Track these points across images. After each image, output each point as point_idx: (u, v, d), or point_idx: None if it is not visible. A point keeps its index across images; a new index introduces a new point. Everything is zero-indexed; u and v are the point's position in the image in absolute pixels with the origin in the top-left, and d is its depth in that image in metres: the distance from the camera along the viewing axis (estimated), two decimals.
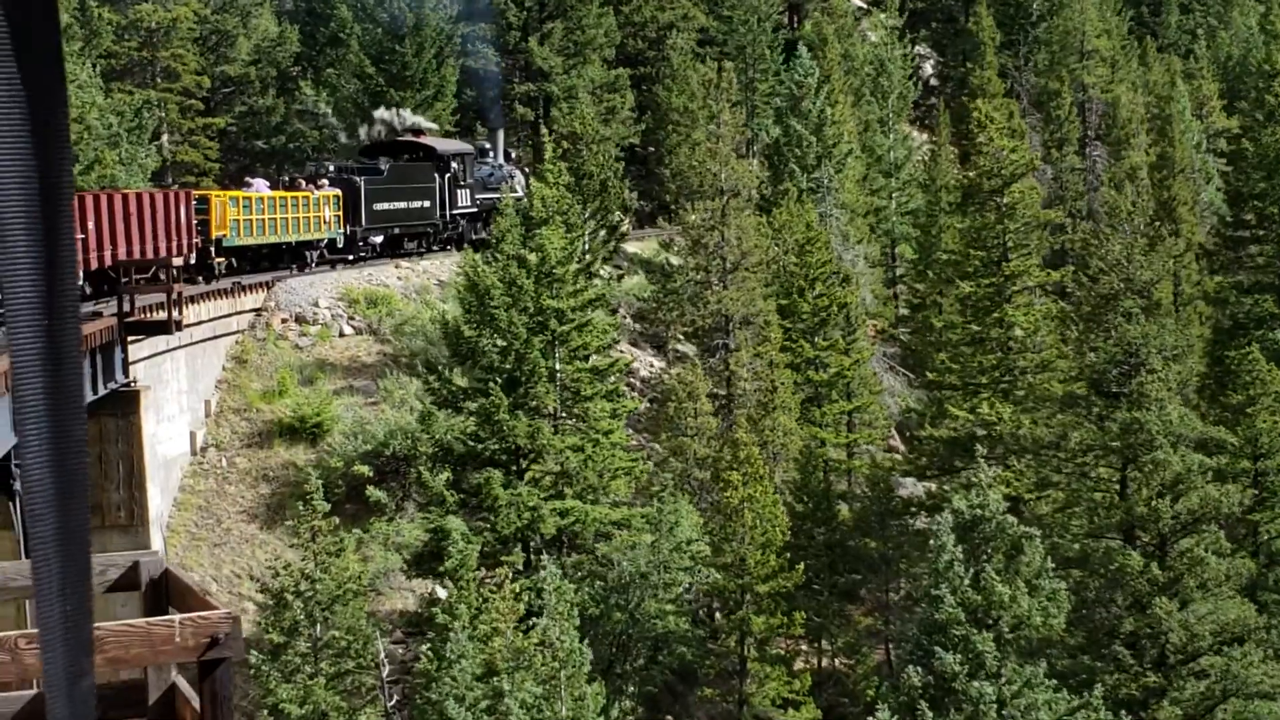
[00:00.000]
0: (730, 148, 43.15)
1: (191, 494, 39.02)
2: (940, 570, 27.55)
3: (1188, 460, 30.46)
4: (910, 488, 41.65)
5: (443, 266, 50.17)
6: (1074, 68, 71.24)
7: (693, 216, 43.65)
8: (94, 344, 29.21)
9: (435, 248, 49.83)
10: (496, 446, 33.55)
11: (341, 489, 38.54)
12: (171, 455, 38.21)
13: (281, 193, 43.06)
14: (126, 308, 32.04)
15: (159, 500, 34.77)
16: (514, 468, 33.95)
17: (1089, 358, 32.78)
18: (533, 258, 33.65)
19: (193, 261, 37.10)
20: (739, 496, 32.68)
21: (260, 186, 43.23)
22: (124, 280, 31.53)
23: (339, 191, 44.85)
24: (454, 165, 49.99)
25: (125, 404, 32.40)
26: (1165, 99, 60.68)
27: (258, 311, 43.68)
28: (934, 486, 38.67)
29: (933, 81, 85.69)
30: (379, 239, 47.56)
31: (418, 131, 53.16)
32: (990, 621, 28.09)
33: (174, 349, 38.10)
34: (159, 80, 61.04)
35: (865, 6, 72.52)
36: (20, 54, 1.48)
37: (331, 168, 46.89)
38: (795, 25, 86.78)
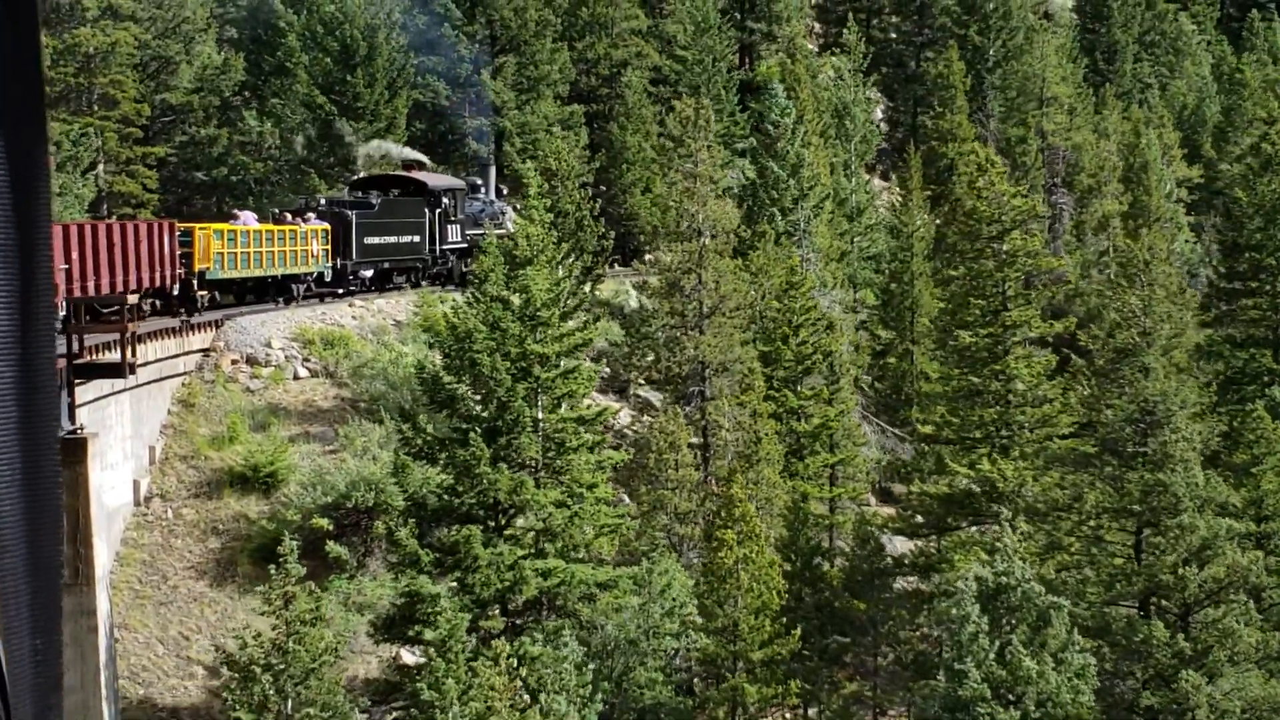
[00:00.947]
0: (708, 187, 41.15)
1: (135, 548, 36.33)
2: (964, 643, 25.51)
3: (1214, 526, 28.69)
4: (892, 545, 39.72)
5: (398, 306, 47.86)
6: (1034, 114, 70.09)
7: (667, 258, 41.61)
8: None
9: (424, 282, 49.06)
10: (474, 501, 31.21)
11: (298, 543, 35.95)
12: (114, 505, 35.57)
13: (269, 226, 42.26)
14: (75, 347, 29.56)
15: (105, 556, 32.14)
16: (492, 524, 31.62)
17: (1105, 414, 30.98)
18: (516, 299, 31.44)
19: (175, 293, 36.61)
20: (733, 557, 30.54)
21: (248, 219, 42.28)
22: (70, 320, 29.02)
23: (328, 225, 44.19)
24: (445, 200, 49.54)
25: (71, 452, 29.72)
26: (1130, 147, 59.49)
27: (206, 352, 41.14)
28: (922, 544, 36.78)
29: (883, 126, 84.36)
30: (369, 273, 46.90)
31: (408, 166, 52.57)
32: (1013, 699, 26.08)
33: (118, 391, 35.52)
34: (96, 108, 58.29)
35: (815, 49, 71.04)
36: None
37: (322, 201, 46.27)
38: (749, 66, 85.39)
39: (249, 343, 41.67)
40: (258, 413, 39.89)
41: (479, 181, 55.47)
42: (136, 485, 37.28)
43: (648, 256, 67.03)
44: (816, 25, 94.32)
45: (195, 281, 38.07)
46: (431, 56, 65.30)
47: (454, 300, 33.11)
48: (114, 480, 35.49)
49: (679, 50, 77.98)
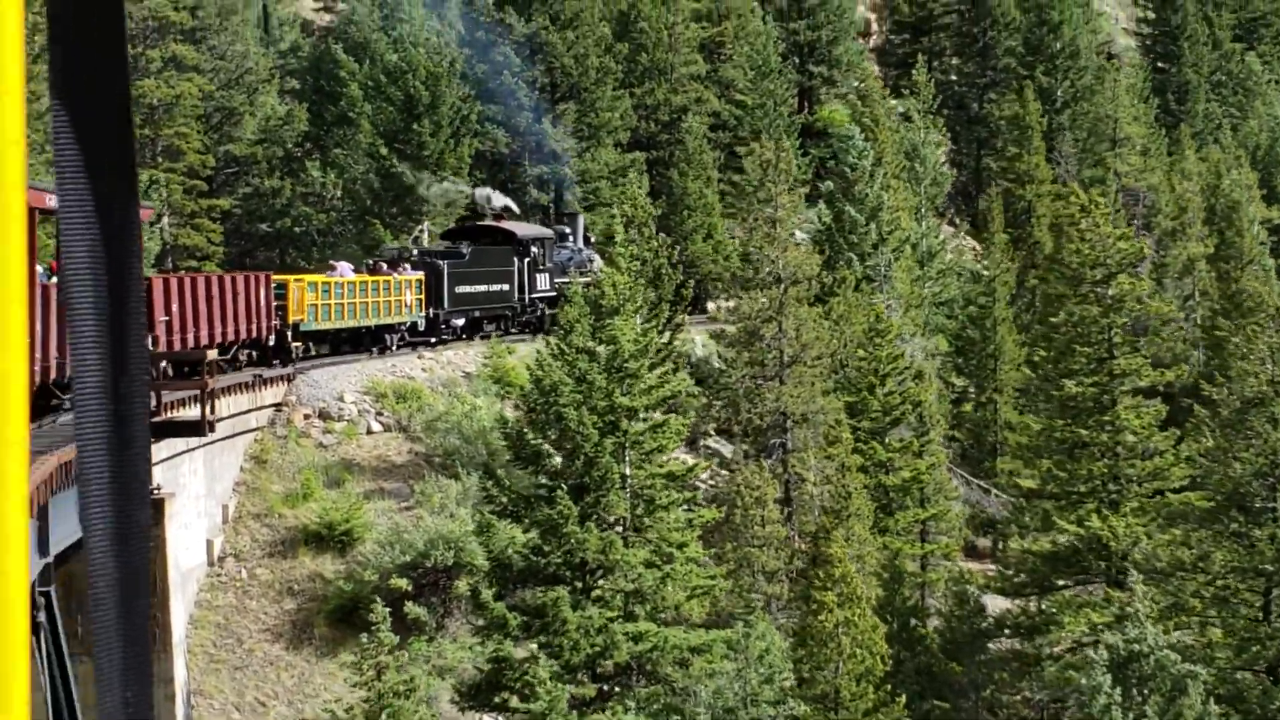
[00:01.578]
0: (789, 232, 40.04)
1: (209, 609, 35.33)
2: (1096, 716, 24.11)
3: None
4: (990, 603, 38.27)
5: (467, 357, 46.92)
6: (1105, 155, 68.75)
7: (746, 305, 40.49)
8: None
9: (514, 330, 49.80)
10: (560, 561, 30.05)
11: (377, 604, 34.88)
12: (188, 567, 34.60)
13: (364, 276, 42.81)
14: (152, 404, 28.62)
15: (181, 621, 31.14)
16: (579, 585, 30.43)
17: (1234, 468, 29.56)
18: (603, 350, 30.36)
19: (270, 344, 37.36)
20: (833, 620, 29.22)
21: (344, 270, 42.84)
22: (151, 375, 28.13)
23: (422, 275, 44.76)
24: (533, 249, 50.25)
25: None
26: (1212, 188, 58.05)
27: (278, 406, 40.23)
28: (1023, 604, 35.30)
29: (945, 169, 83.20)
30: (460, 321, 47.57)
31: (498, 215, 53.27)
32: None
33: (192, 449, 34.62)
34: (161, 159, 57.82)
35: (881, 93, 69.98)
36: (93, 139, 1.49)
37: (415, 251, 47.06)
38: (809, 110, 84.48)
39: (321, 397, 40.75)
40: (331, 468, 38.91)
41: (567, 230, 55.29)
42: (210, 545, 36.33)
43: (710, 304, 66.04)
44: (876, 69, 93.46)
45: (290, 333, 38.45)
46: (491, 105, 64.58)
47: (538, 351, 31.99)
48: (188, 540, 34.54)
49: (739, 95, 77.22)
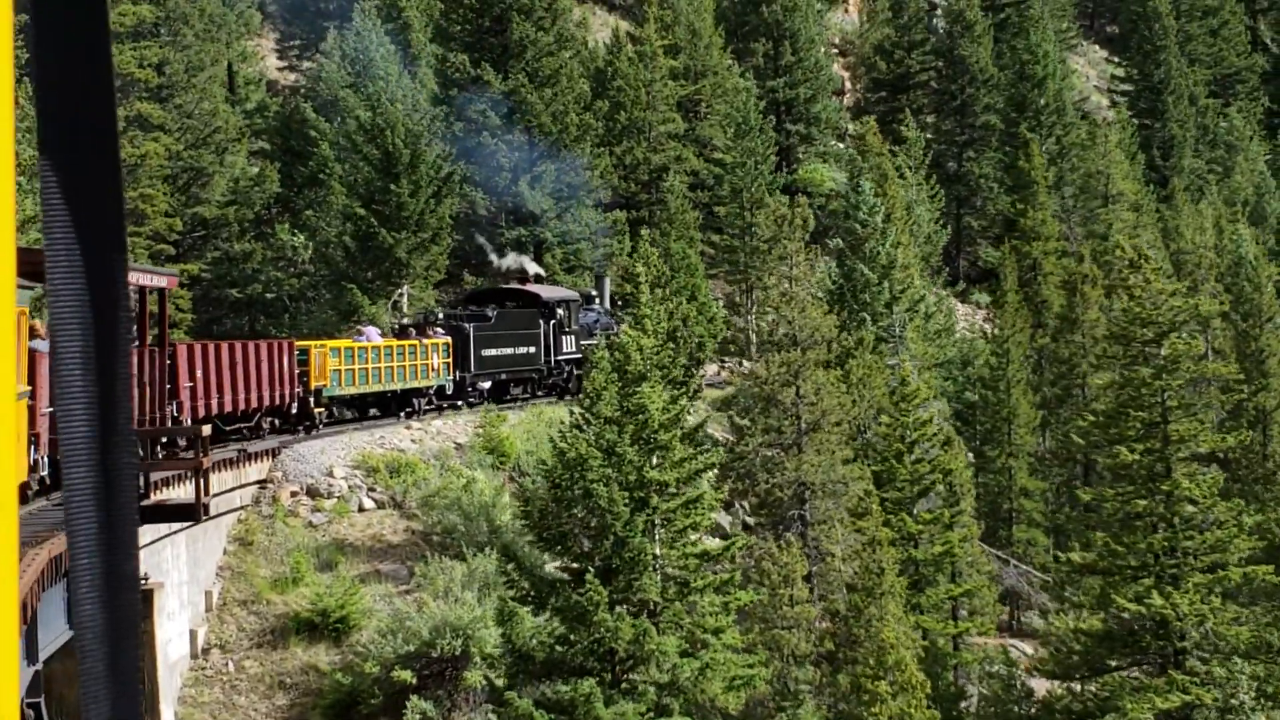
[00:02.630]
0: (807, 292, 37.82)
1: (195, 707, 32.44)
2: None
3: None
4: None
5: (457, 427, 44.40)
6: (1097, 210, 67.11)
7: (763, 370, 38.17)
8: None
9: (540, 393, 49.90)
10: (587, 651, 27.51)
11: (378, 699, 32.20)
12: (172, 659, 31.80)
13: (390, 341, 42.94)
14: (140, 486, 25.97)
15: None
16: (607, 677, 27.87)
17: None
18: (630, 420, 27.95)
19: (293, 411, 37.33)
20: (887, 713, 26.74)
21: (372, 334, 42.97)
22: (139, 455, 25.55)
23: (449, 339, 45.01)
24: (559, 312, 50.58)
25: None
26: (1215, 245, 56.34)
27: (262, 484, 37.55)
28: (1072, 687, 32.90)
29: (938, 227, 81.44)
30: (487, 384, 47.59)
31: (523, 279, 53.89)
32: None
33: (175, 532, 31.89)
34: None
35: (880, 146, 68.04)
36: (74, 174, 1.46)
37: (440, 315, 47.32)
38: (788, 169, 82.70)
39: (309, 472, 38.10)
40: (322, 550, 36.22)
41: (594, 292, 55.21)
42: (194, 635, 33.52)
43: (702, 370, 63.84)
44: (850, 127, 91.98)
45: (312, 399, 38.23)
46: (468, 164, 62.30)
47: (562, 421, 29.51)
48: (171, 632, 31.76)
49: (718, 153, 75.48)
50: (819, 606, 35.42)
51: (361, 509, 37.97)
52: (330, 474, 38.25)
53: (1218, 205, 73.90)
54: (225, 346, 32.28)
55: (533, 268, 54.91)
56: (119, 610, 1.47)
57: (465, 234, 63.13)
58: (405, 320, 47.28)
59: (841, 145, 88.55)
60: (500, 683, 27.31)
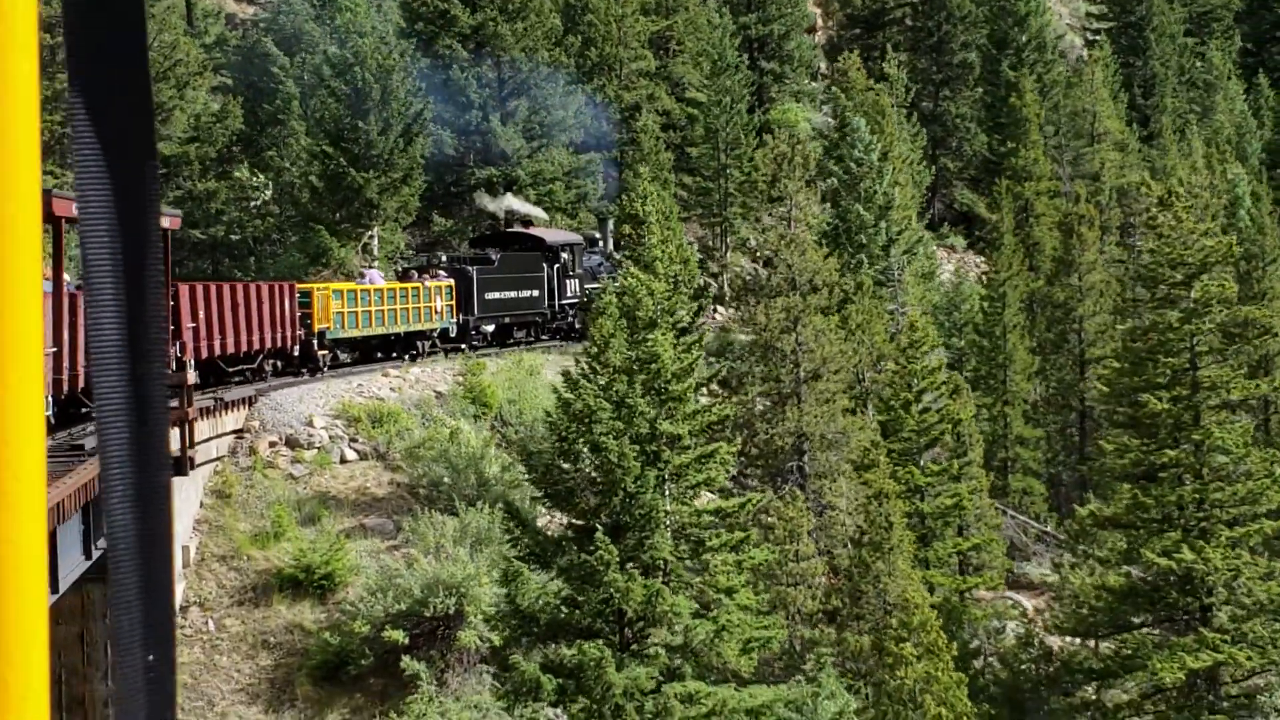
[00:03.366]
0: (808, 233, 36.24)
1: None
2: None
3: None
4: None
5: (436, 375, 42.74)
6: (1083, 150, 65.71)
7: (762, 316, 36.65)
8: (83, 499, 21.44)
9: (544, 336, 49.96)
10: (595, 613, 26.04)
11: (368, 659, 30.65)
12: None
13: (393, 284, 43.09)
14: None
15: None
16: (616, 640, 26.43)
17: None
18: (641, 370, 26.37)
19: (295, 354, 37.32)
20: (914, 675, 25.42)
21: (375, 278, 43.19)
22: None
23: (452, 282, 45.00)
24: (563, 255, 50.80)
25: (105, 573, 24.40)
26: (1211, 187, 55.04)
27: (239, 433, 35.81)
28: (1087, 645, 31.70)
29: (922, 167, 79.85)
30: (490, 328, 47.70)
31: (527, 222, 53.62)
32: None
33: None
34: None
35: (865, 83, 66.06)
36: (114, 149, 1.46)
37: (444, 258, 47.53)
38: (761, 109, 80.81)
39: (288, 422, 36.39)
40: (304, 503, 34.56)
41: (597, 235, 54.51)
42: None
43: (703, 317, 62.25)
44: (822, 65, 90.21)
45: (315, 342, 38.15)
46: (437, 102, 60.23)
47: (568, 372, 27.90)
48: None
49: (693, 92, 73.60)
50: (822, 561, 34.11)
51: (344, 460, 36.33)
52: (310, 424, 36.56)
53: (1200, 146, 72.66)
54: (228, 287, 32.19)
55: (532, 209, 55.14)
56: (151, 521, 1.44)
57: (434, 174, 61.23)
58: (407, 264, 47.24)
59: (815, 84, 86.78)
60: (498, 641, 25.79)
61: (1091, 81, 63.48)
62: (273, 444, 35.85)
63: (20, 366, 1.31)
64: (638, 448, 25.86)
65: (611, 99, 70.26)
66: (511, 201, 54.98)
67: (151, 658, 1.46)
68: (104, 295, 1.43)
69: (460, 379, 42.69)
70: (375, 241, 55.84)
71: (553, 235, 52.10)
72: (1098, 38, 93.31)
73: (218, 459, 34.88)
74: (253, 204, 58.67)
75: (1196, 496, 29.86)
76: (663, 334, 26.53)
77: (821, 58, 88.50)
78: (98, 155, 1.42)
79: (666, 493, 26.57)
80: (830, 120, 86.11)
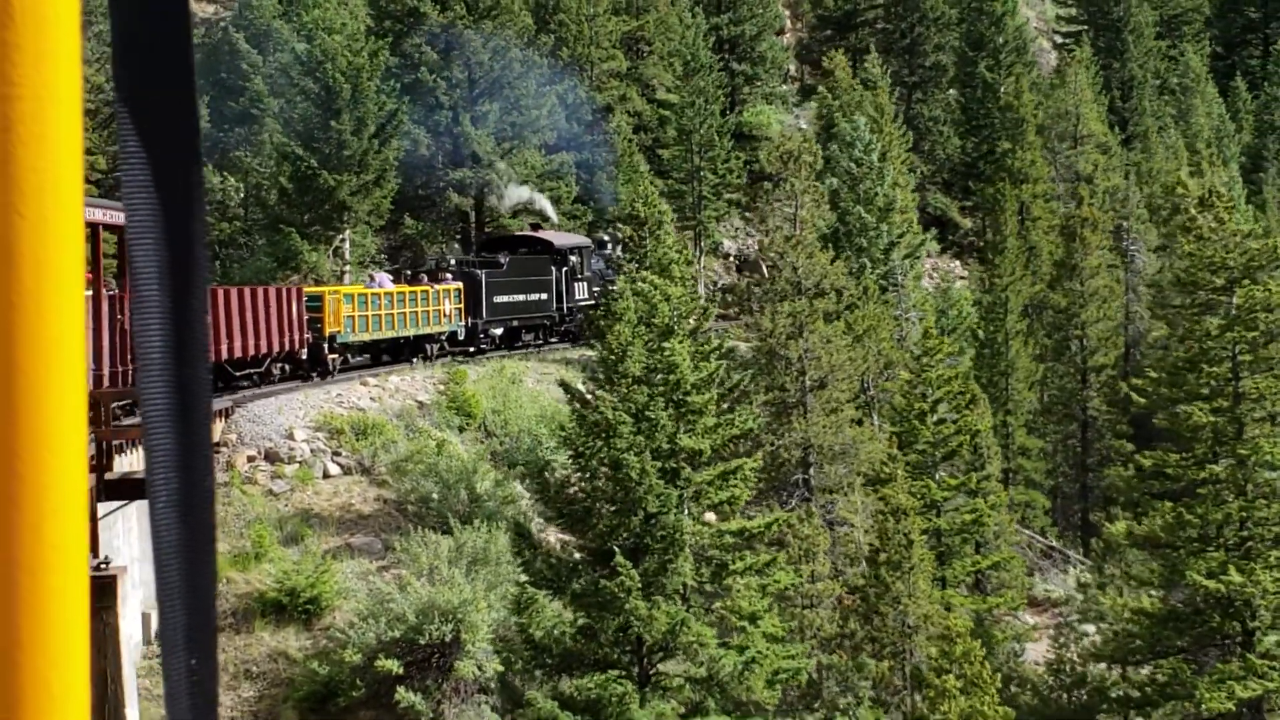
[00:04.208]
0: (815, 235, 34.55)
1: (150, 700, 28.72)
2: None
3: None
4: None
5: (417, 384, 40.86)
6: (1067, 153, 64.36)
7: (766, 322, 34.92)
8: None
9: (553, 340, 49.93)
10: (613, 642, 24.23)
11: (360, 690, 28.69)
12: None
13: (403, 287, 42.75)
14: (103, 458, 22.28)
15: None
16: (635, 671, 24.61)
17: None
18: (661, 381, 24.59)
19: (304, 358, 37.17)
20: (957, 710, 23.72)
21: (384, 281, 42.69)
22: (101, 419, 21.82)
23: (460, 285, 44.94)
24: (572, 258, 50.60)
25: (98, 595, 22.40)
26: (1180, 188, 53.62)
27: (215, 447, 33.72)
28: (1123, 671, 30.08)
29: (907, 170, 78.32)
30: (499, 331, 47.63)
31: (535, 225, 53.45)
32: None
33: (124, 504, 28.12)
34: None
35: (850, 83, 64.51)
36: (159, 151, 1.46)
37: (453, 261, 47.66)
38: (733, 111, 79.14)
39: (267, 435, 34.40)
40: (286, 521, 32.57)
41: (606, 238, 53.72)
42: (146, 619, 29.79)
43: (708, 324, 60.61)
44: (791, 68, 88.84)
45: (326, 345, 38.00)
46: (408, 103, 58.34)
47: (582, 384, 26.06)
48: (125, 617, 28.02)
49: (666, 93, 71.97)
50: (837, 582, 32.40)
51: (326, 475, 34.36)
52: (290, 436, 34.58)
53: (1184, 149, 71.52)
54: (234, 292, 32.30)
55: (540, 200, 55.08)
56: (195, 526, 1.45)
57: (403, 176, 59.36)
58: (416, 267, 47.23)
59: (785, 88, 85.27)
60: (499, 668, 23.95)
61: (1076, 83, 62.01)
62: (251, 458, 33.87)
63: (64, 373, 1.28)
64: (659, 464, 24.07)
65: (584, 100, 68.51)
66: (521, 194, 55.38)
67: (194, 661, 1.46)
68: (150, 302, 1.42)
69: (442, 388, 40.86)
70: (346, 245, 53.92)
71: (561, 238, 51.96)
72: (1067, 41, 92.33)
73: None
74: (218, 206, 56.63)
75: (1242, 515, 28.26)
76: (679, 342, 24.75)
77: (791, 60, 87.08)
78: (143, 162, 1.40)
79: (687, 512, 24.81)
80: (803, 125, 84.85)
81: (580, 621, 24.10)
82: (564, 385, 26.32)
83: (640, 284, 24.72)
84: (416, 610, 29.15)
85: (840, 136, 43.21)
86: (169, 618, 1.46)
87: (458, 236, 62.72)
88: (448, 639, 28.88)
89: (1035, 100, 66.42)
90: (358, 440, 35.10)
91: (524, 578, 24.69)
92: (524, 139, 61.72)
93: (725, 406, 26.25)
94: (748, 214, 76.41)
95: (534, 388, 44.13)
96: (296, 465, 34.01)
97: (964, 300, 51.01)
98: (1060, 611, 39.60)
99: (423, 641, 28.85)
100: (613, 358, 24.53)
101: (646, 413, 24.04)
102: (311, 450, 34.58)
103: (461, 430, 39.06)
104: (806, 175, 34.84)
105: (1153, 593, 28.94)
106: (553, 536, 28.93)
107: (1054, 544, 40.97)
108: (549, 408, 41.94)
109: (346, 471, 34.66)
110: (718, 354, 26.97)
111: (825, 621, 30.02)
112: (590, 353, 50.64)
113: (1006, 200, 48.59)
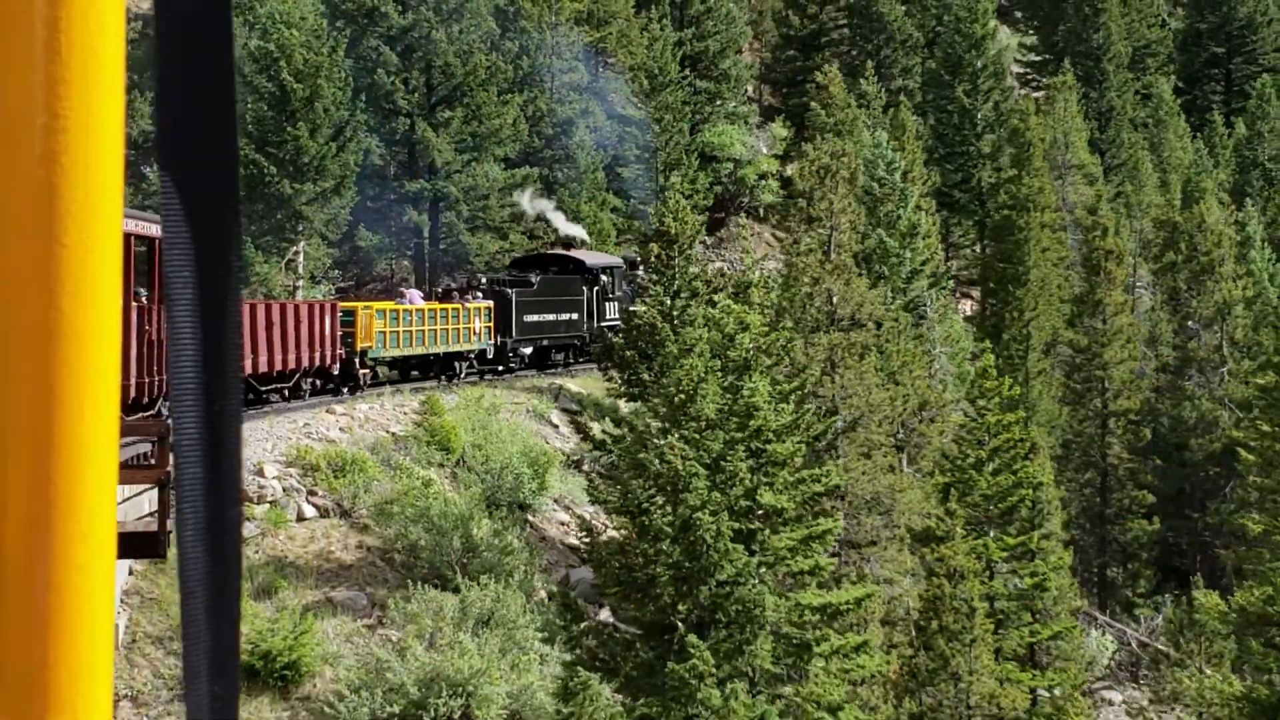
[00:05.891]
0: (851, 259, 30.97)
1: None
2: None
3: None
4: None
5: (387, 413, 36.89)
6: (1054, 182, 61.42)
7: (801, 355, 31.20)
8: None
9: (583, 360, 49.01)
10: None
11: None
12: None
13: (433, 304, 42.84)
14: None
15: None
16: None
17: None
18: (737, 428, 20.79)
19: (336, 373, 36.97)
20: None
21: (414, 298, 42.82)
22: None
23: (490, 303, 44.87)
24: (603, 278, 50.45)
25: None
26: (1201, 224, 50.86)
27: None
28: None
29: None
30: (528, 350, 47.45)
31: (567, 245, 53.55)
32: None
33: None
34: None
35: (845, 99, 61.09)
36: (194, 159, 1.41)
37: (483, 280, 47.34)
38: (695, 130, 75.65)
39: None
40: (257, 570, 28.36)
41: (638, 258, 50.66)
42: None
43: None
44: (749, 89, 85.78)
45: (357, 360, 37.80)
46: (364, 108, 54.38)
47: (631, 421, 22.21)
48: None
49: (631, 108, 68.37)
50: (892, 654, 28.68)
51: (301, 518, 30.18)
52: (260, 473, 30.38)
53: (1174, 184, 68.91)
54: (261, 306, 32.11)
55: (575, 230, 54.66)
56: (222, 554, 1.46)
57: (359, 186, 55.30)
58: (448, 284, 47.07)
59: (745, 107, 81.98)
60: None
61: (1066, 109, 59.10)
62: None
63: (99, 400, 1.31)
64: (736, 524, 20.28)
65: (545, 112, 64.85)
66: (540, 205, 54.77)
67: (217, 688, 1.44)
68: (184, 330, 1.43)
69: (417, 418, 36.93)
70: (301, 258, 49.76)
71: (593, 258, 51.88)
72: (1028, 71, 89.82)
73: (151, 514, 28.59)
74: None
75: None
76: (760, 379, 20.99)
77: (751, 80, 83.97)
78: (182, 194, 1.38)
79: (764, 581, 21.01)
80: (763, 149, 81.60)
81: (639, 712, 20.18)
82: (633, 423, 22.41)
83: (712, 310, 20.91)
84: (419, 681, 25.12)
85: (861, 154, 39.67)
86: (193, 644, 1.42)
87: (409, 252, 58.94)
88: (456, 716, 24.87)
89: (1010, 127, 63.61)
90: (334, 478, 30.97)
91: (569, 656, 20.70)
92: (486, 149, 58.07)
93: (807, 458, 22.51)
94: (716, 235, 73.23)
95: (511, 419, 40.39)
96: (268, 506, 29.83)
97: (961, 333, 47.68)
98: (1090, 677, 36.32)
99: (427, 718, 24.80)
100: (681, 396, 20.66)
101: (723, 463, 20.23)
102: (284, 489, 30.42)
103: (442, 466, 35.21)
104: (844, 193, 31.18)
105: (1247, 677, 25.58)
106: (588, 604, 25.01)
107: (1081, 608, 37.63)
108: (529, 442, 38.30)
109: (323, 514, 30.51)
110: (799, 393, 23.24)
111: (880, 700, 26.31)
112: (563, 381, 47.30)
113: (1031, 229, 45.28)
